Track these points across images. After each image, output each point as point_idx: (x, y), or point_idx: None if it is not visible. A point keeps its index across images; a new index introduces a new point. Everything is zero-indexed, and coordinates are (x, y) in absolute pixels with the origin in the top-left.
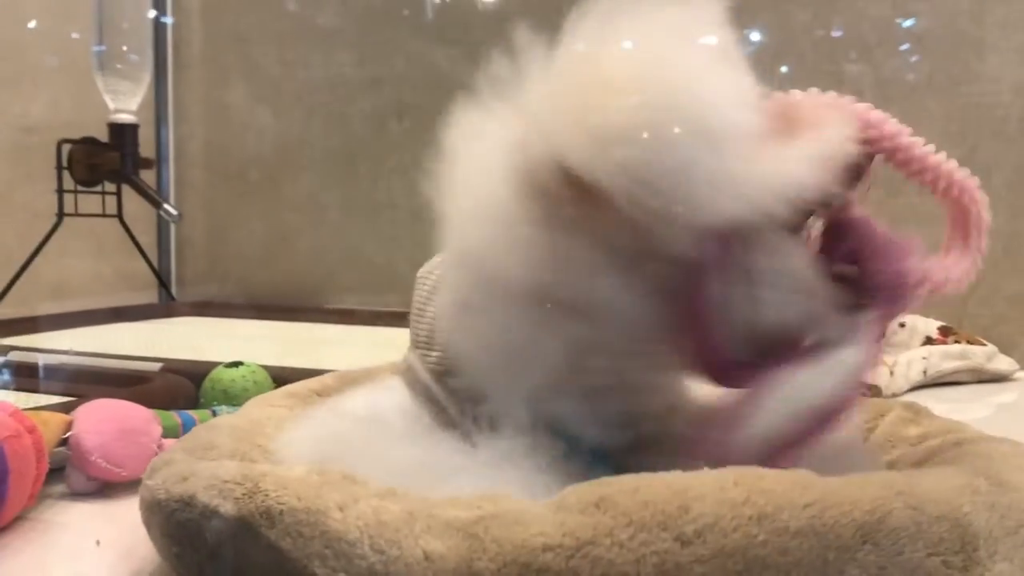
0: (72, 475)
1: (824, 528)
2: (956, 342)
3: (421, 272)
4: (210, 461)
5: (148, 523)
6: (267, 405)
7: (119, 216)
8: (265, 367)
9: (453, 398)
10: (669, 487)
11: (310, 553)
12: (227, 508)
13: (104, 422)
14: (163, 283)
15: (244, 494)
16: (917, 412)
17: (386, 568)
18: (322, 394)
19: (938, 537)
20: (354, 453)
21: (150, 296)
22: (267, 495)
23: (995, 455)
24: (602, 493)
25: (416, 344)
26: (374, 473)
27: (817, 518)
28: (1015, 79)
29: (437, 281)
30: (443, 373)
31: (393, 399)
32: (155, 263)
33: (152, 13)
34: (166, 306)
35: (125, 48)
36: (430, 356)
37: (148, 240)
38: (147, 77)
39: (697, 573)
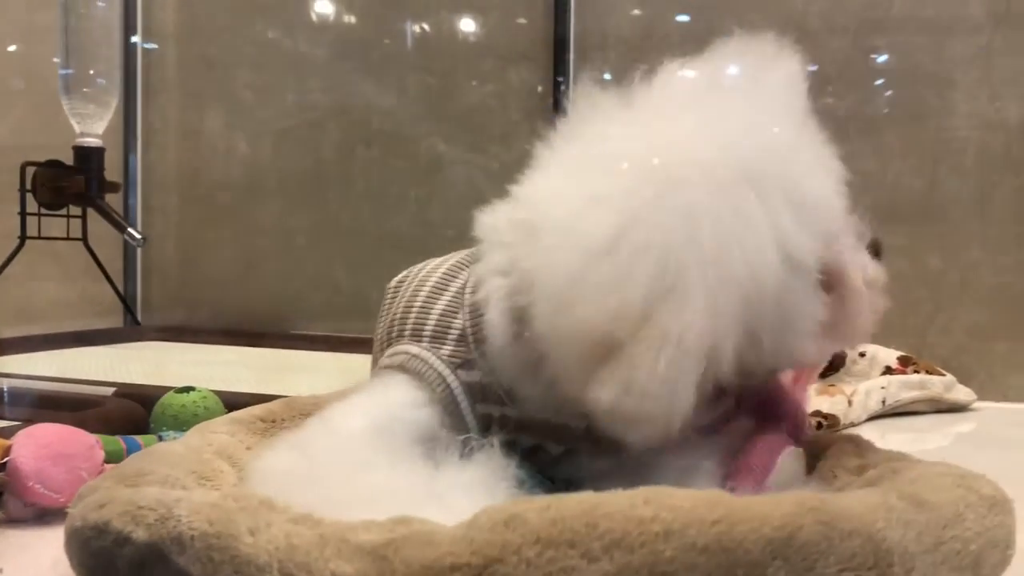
0: (9, 501)
1: (732, 544)
2: (915, 372)
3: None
4: (135, 488)
5: (68, 553)
6: (208, 432)
7: (84, 240)
8: (219, 393)
9: (466, 391)
10: (580, 505)
11: None
12: (139, 534)
13: (43, 447)
14: (128, 307)
15: (157, 520)
16: (859, 444)
17: None
18: (266, 420)
19: (850, 552)
20: (318, 484)
21: (116, 321)
22: (179, 520)
23: (920, 478)
24: (513, 511)
25: (417, 338)
26: (336, 504)
27: (725, 534)
28: (972, 113)
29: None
30: (459, 365)
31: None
32: (121, 288)
33: (120, 37)
34: (131, 330)
35: (92, 72)
36: (442, 349)
37: (115, 265)
38: (114, 101)
39: None
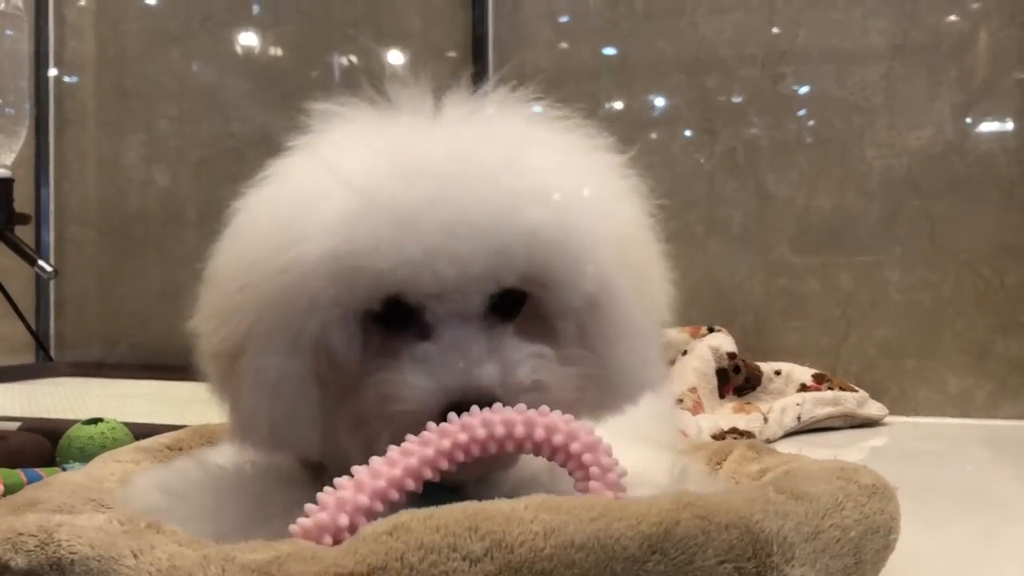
0: None
1: (610, 540)
2: (829, 388)
3: None
4: (18, 516)
5: None
6: (112, 461)
7: None
8: (130, 425)
9: None
10: (463, 511)
11: None
12: (18, 561)
13: None
14: (40, 343)
15: (37, 546)
16: (759, 450)
17: None
18: (173, 448)
19: (728, 544)
20: (187, 506)
21: (27, 358)
22: (60, 545)
23: (801, 473)
24: (397, 522)
25: None
26: (205, 525)
27: (603, 531)
28: (876, 138)
29: None
30: None
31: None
32: (33, 323)
33: (31, 67)
34: (43, 366)
35: (0, 101)
36: None
37: (26, 300)
38: (23, 131)
39: None
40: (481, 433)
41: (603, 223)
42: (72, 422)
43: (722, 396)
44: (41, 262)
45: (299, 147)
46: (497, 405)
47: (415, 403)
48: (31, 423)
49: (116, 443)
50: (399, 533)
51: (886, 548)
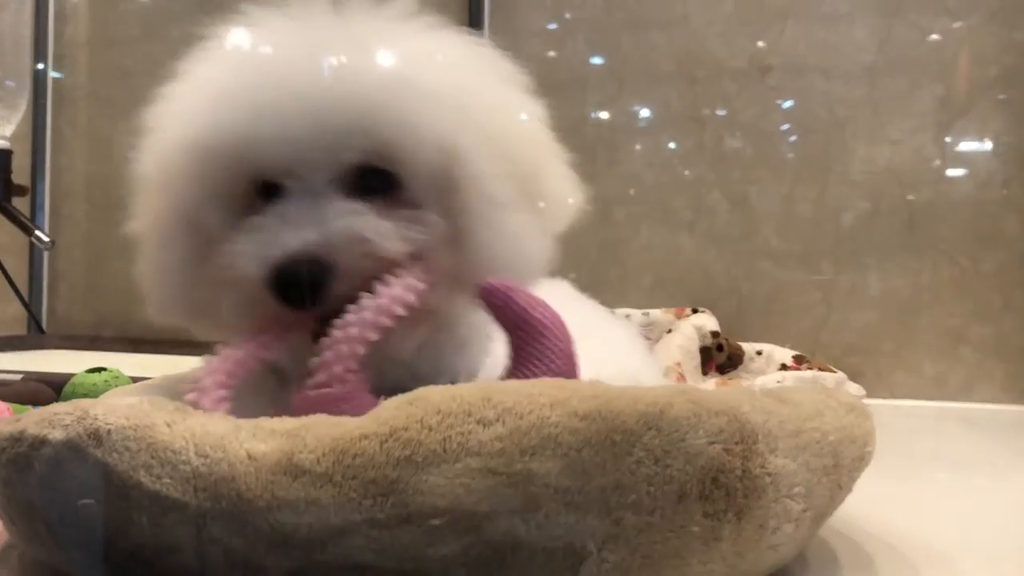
0: None
1: (610, 415)
2: (809, 369)
3: None
4: None
5: None
6: (123, 395)
7: None
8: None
9: None
10: (477, 387)
11: (136, 465)
12: (55, 435)
13: None
14: (32, 315)
15: (73, 420)
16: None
17: (209, 469)
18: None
19: (718, 428)
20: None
21: (18, 330)
22: (96, 419)
23: (785, 388)
24: (417, 394)
25: None
26: None
27: (604, 406)
28: (860, 128)
29: None
30: None
31: None
32: (26, 295)
33: (31, 42)
34: (35, 338)
35: (1, 73)
36: None
37: (19, 273)
38: (23, 104)
39: (496, 449)
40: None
41: (448, 102)
42: (72, 374)
43: (705, 373)
44: (39, 232)
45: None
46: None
47: (242, 268)
48: (33, 375)
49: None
50: (418, 402)
51: (861, 459)
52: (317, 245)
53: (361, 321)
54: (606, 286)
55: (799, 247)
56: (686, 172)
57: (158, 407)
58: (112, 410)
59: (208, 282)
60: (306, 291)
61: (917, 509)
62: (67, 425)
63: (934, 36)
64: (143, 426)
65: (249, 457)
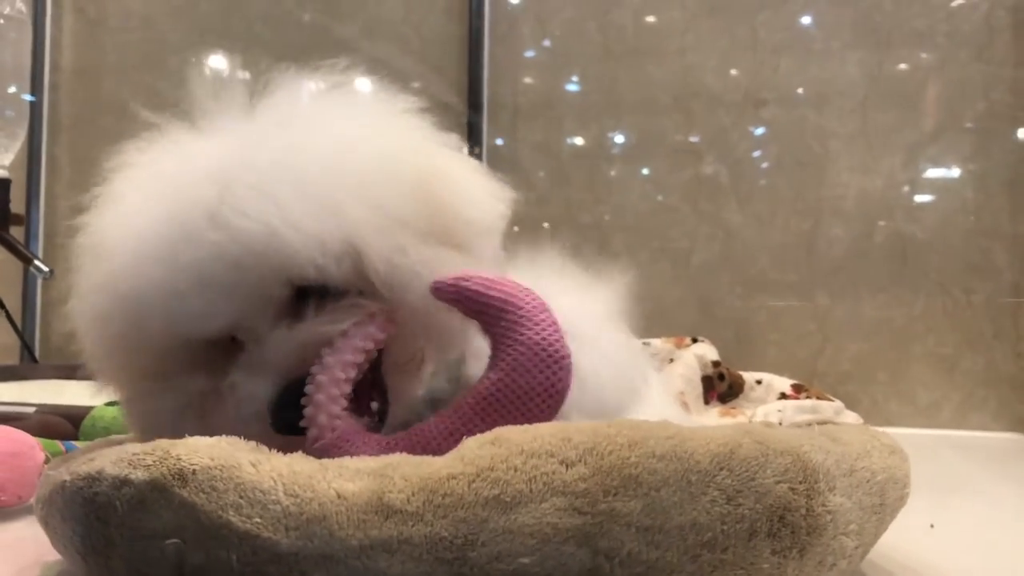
0: None
1: (685, 455)
2: (807, 398)
3: None
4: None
5: (48, 515)
6: None
7: None
8: None
9: None
10: (553, 427)
11: (224, 504)
12: (138, 475)
13: None
14: (26, 344)
15: (155, 461)
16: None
17: (300, 509)
18: None
19: (783, 467)
20: None
21: (11, 359)
22: (179, 459)
23: (830, 427)
24: (496, 434)
25: None
26: None
27: (679, 446)
28: (851, 162)
29: None
30: None
31: None
32: (19, 324)
33: (29, 70)
34: (28, 367)
35: (1, 103)
36: None
37: (13, 301)
38: (22, 133)
39: (581, 489)
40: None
41: (330, 208)
42: (87, 407)
43: (707, 402)
44: (38, 262)
45: (117, 172)
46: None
47: (259, 398)
48: (47, 408)
49: None
50: (501, 442)
51: (901, 499)
52: (282, 382)
53: (327, 367)
54: None
55: (794, 277)
56: (682, 202)
57: (237, 446)
58: (194, 450)
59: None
60: (297, 424)
61: (924, 535)
62: (149, 465)
63: (923, 71)
64: (229, 466)
65: (339, 496)
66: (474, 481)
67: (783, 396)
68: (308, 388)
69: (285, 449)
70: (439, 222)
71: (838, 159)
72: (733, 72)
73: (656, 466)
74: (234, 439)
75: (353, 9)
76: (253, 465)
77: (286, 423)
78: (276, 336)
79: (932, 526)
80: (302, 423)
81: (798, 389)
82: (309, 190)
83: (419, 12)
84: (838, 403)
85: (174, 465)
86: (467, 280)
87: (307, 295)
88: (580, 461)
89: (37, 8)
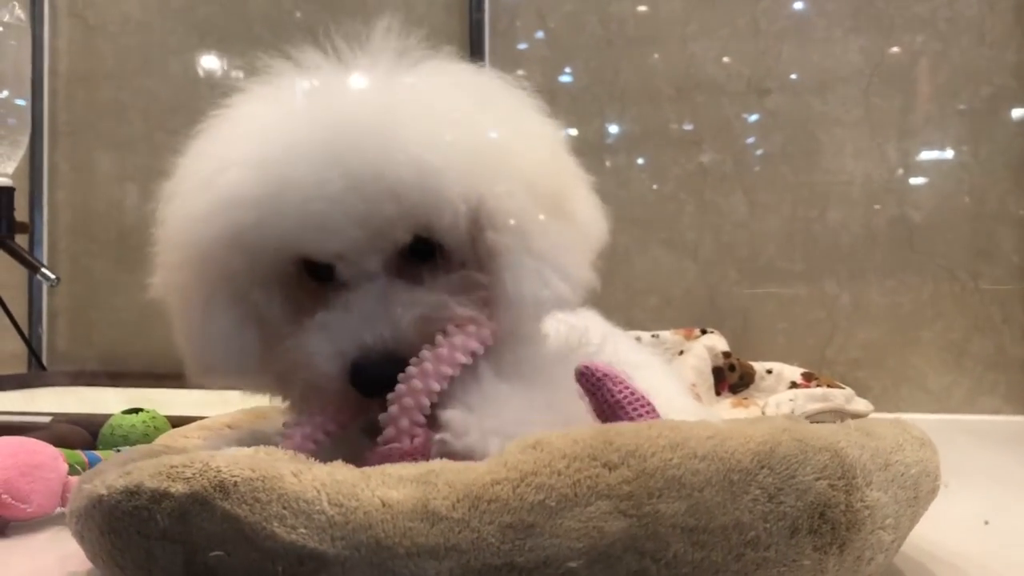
0: None
1: (726, 454)
2: (818, 386)
3: None
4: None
5: (84, 529)
6: (181, 437)
7: None
8: (167, 416)
9: None
10: (592, 429)
11: (268, 515)
12: (178, 488)
13: (9, 457)
14: (33, 351)
15: (195, 473)
16: (798, 422)
17: (345, 518)
18: (234, 427)
19: (822, 464)
20: None
21: (19, 369)
22: (219, 471)
23: (861, 420)
24: (537, 438)
25: None
26: None
27: (720, 446)
28: (857, 149)
29: None
30: None
31: None
32: (25, 332)
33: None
34: (37, 375)
35: (2, 111)
36: None
37: (18, 309)
38: (24, 141)
39: (625, 492)
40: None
41: (471, 158)
42: (104, 415)
43: (718, 393)
44: (44, 269)
45: (220, 113)
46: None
47: (319, 368)
48: (63, 416)
49: (158, 431)
50: (542, 446)
51: (932, 492)
52: (390, 340)
53: (422, 372)
54: (611, 308)
55: (801, 265)
56: (688, 194)
57: (275, 456)
58: (234, 461)
59: (275, 370)
60: (386, 385)
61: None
62: (189, 478)
63: (926, 56)
64: (271, 477)
65: (384, 504)
66: (518, 486)
67: (794, 385)
68: (399, 386)
69: (341, 405)
70: (560, 206)
71: (842, 146)
72: (735, 61)
73: (698, 467)
74: (272, 449)
75: (353, 8)
76: (295, 475)
77: (370, 385)
78: (394, 288)
79: (986, 523)
80: (384, 421)
81: (808, 378)
82: (458, 141)
83: (419, 9)
84: (848, 390)
85: (215, 477)
86: (609, 379)
87: (419, 252)
88: (623, 464)
89: (34, 14)
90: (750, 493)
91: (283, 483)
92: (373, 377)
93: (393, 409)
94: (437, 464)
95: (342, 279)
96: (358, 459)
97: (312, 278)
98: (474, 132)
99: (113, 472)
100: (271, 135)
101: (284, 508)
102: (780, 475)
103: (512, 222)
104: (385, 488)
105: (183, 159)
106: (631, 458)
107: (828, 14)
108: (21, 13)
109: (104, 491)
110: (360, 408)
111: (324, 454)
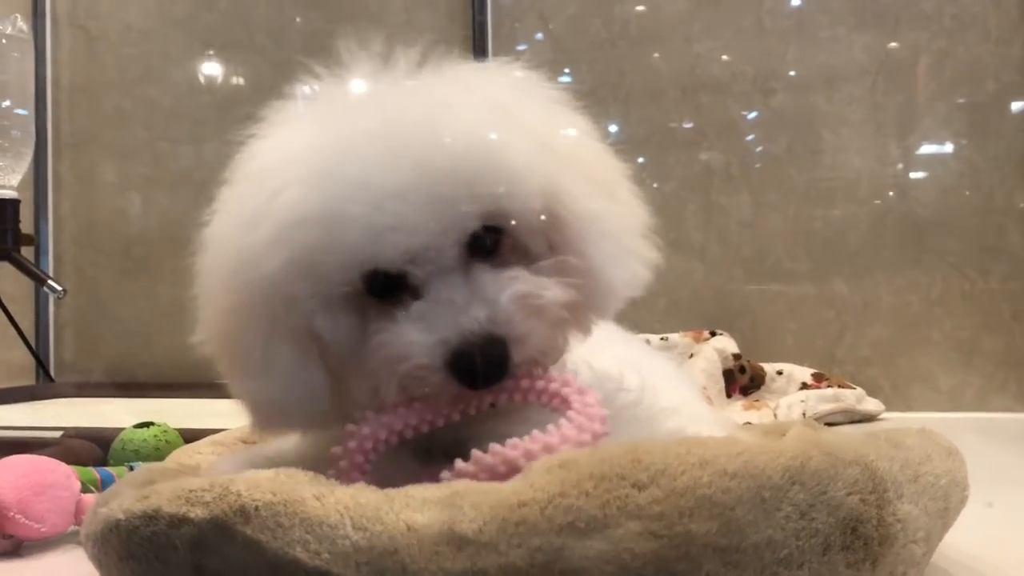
0: None
1: (757, 471)
2: (829, 386)
3: None
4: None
5: (101, 554)
6: (195, 453)
7: None
8: (178, 430)
9: None
10: (622, 447)
11: (291, 540)
12: (197, 513)
13: (23, 477)
14: (41, 363)
15: (215, 498)
16: (816, 428)
17: (370, 543)
18: (248, 442)
19: (853, 479)
20: None
21: (27, 380)
22: (239, 495)
23: (887, 428)
24: (564, 458)
25: None
26: None
27: (750, 463)
28: (863, 148)
29: None
30: None
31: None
32: (33, 343)
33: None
34: (45, 388)
35: (7, 123)
36: None
37: (25, 320)
38: (29, 153)
39: (656, 512)
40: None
41: (537, 145)
42: (114, 429)
43: (729, 395)
44: (51, 281)
45: (259, 137)
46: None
47: (422, 357)
48: (73, 431)
49: (169, 445)
50: (569, 466)
51: (962, 502)
52: (490, 322)
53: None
54: (620, 310)
55: (809, 265)
56: (694, 194)
57: (295, 479)
58: (254, 485)
59: (355, 375)
60: (490, 372)
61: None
62: (208, 503)
63: (931, 53)
64: (292, 500)
65: (409, 528)
66: (546, 508)
67: (804, 386)
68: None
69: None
70: (612, 192)
71: (848, 144)
72: (740, 61)
73: (729, 484)
74: (292, 471)
75: (355, 14)
76: (317, 498)
77: (469, 369)
78: (479, 273)
79: (990, 504)
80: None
81: (819, 378)
82: (527, 127)
83: (421, 13)
84: (859, 390)
85: (235, 501)
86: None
87: (485, 243)
88: (652, 483)
89: (36, 26)
90: (782, 510)
91: (305, 507)
92: (474, 363)
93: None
94: (461, 486)
95: (416, 281)
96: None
97: (377, 295)
98: (532, 122)
99: (130, 495)
100: (324, 147)
101: (307, 533)
102: (811, 491)
103: (586, 205)
104: (410, 511)
105: (219, 203)
106: (660, 477)
107: (832, 12)
108: (24, 25)
109: (121, 516)
110: (456, 403)
111: (387, 468)
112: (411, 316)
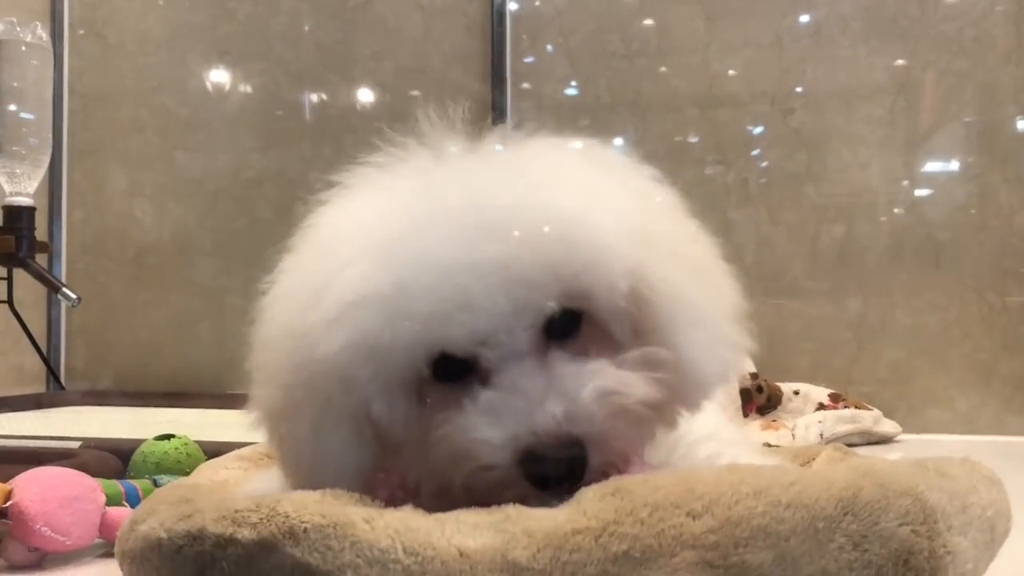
0: (11, 546)
1: (810, 501)
2: (845, 407)
3: None
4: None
5: (138, 572)
6: (221, 468)
7: (9, 303)
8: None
9: None
10: (673, 476)
11: (341, 564)
12: (244, 534)
13: (48, 489)
14: (52, 371)
15: (262, 519)
16: (845, 452)
17: (422, 568)
18: (272, 457)
19: (904, 509)
20: None
21: (38, 387)
22: (288, 516)
23: (932, 457)
24: (617, 485)
25: None
26: None
27: (803, 492)
28: (882, 168)
29: None
30: None
31: None
32: (44, 351)
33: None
34: (55, 395)
35: (24, 131)
36: None
37: (36, 328)
38: (46, 160)
39: (711, 542)
40: None
41: (625, 225)
42: (134, 440)
43: (746, 415)
44: (65, 289)
45: (328, 204)
46: None
47: (490, 458)
48: (93, 442)
49: (190, 458)
50: (622, 494)
51: (1006, 533)
52: (568, 420)
53: None
54: None
55: (827, 285)
56: (711, 212)
57: (343, 500)
58: (303, 506)
59: (417, 468)
60: (564, 476)
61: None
62: (255, 524)
63: (952, 75)
64: (342, 523)
65: (461, 554)
66: (600, 536)
67: (821, 406)
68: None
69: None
70: (700, 273)
71: (867, 164)
72: (758, 79)
73: (783, 515)
74: (340, 492)
75: (372, 28)
76: (367, 522)
77: (542, 474)
78: (556, 362)
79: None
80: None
81: (836, 399)
82: (615, 206)
83: (439, 29)
84: (876, 411)
85: (283, 523)
86: None
87: (564, 327)
88: (707, 512)
89: (54, 33)
90: (835, 541)
91: (355, 530)
92: (548, 468)
93: None
94: (513, 510)
95: (487, 365)
96: None
97: (442, 380)
98: (615, 200)
99: (170, 513)
100: (392, 223)
101: (357, 556)
102: (864, 522)
103: (675, 288)
104: (461, 536)
105: (282, 274)
106: (715, 506)
107: (852, 32)
108: (43, 33)
109: (164, 534)
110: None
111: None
112: (480, 406)
